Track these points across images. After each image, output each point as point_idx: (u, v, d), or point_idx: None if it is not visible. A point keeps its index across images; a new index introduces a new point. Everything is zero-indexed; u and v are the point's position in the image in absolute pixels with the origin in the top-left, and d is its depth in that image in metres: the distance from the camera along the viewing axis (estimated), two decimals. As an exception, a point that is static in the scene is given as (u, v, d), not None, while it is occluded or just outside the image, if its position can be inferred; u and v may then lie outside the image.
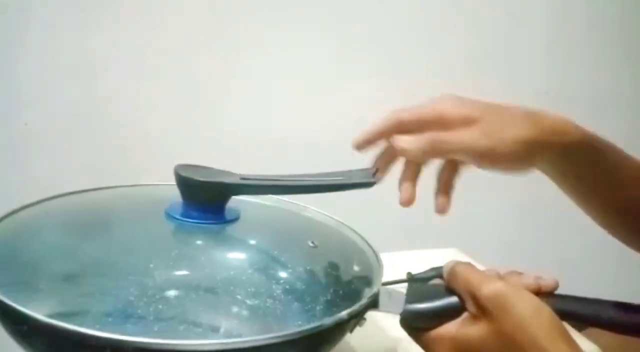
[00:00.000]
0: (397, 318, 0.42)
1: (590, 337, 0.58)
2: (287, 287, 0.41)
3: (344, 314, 0.38)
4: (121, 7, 1.15)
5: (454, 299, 0.40)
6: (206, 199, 0.44)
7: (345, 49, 1.23)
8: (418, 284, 0.44)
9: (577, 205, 0.55)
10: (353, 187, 0.45)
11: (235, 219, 0.46)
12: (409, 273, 0.45)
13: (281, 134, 1.13)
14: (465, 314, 0.39)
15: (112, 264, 0.40)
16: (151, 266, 0.40)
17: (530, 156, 0.46)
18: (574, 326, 0.60)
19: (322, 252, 0.47)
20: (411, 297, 0.42)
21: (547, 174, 0.51)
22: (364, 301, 0.40)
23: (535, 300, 0.37)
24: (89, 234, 0.45)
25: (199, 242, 0.45)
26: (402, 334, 0.42)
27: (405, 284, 0.45)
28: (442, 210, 0.48)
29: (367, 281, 0.44)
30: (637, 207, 0.53)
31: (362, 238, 0.49)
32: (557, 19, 1.40)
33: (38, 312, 0.33)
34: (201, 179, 0.44)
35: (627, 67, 1.45)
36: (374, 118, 0.47)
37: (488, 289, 0.38)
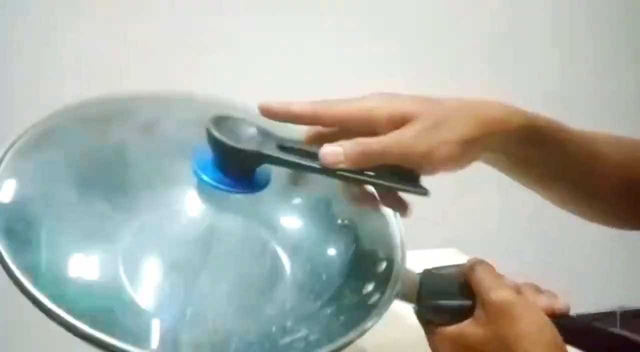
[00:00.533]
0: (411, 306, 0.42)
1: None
2: (303, 271, 0.40)
3: (369, 324, 0.38)
4: (121, 6, 1.15)
5: (467, 302, 0.40)
6: (237, 166, 0.41)
7: (346, 49, 1.23)
8: (436, 276, 0.42)
9: (543, 196, 0.52)
10: (405, 191, 0.42)
11: (265, 184, 0.42)
12: (426, 269, 0.44)
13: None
14: (472, 317, 0.39)
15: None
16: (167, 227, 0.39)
17: (472, 154, 0.42)
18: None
19: (349, 233, 0.45)
20: (426, 288, 0.41)
21: (492, 165, 0.47)
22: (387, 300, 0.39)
23: (543, 318, 0.37)
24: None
25: (221, 206, 0.42)
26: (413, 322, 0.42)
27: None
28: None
29: (387, 271, 0.42)
30: (608, 193, 0.50)
31: (396, 220, 0.46)
32: (557, 19, 1.40)
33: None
34: (233, 145, 0.39)
35: (628, 67, 1.45)
36: (293, 99, 0.42)
37: (497, 295, 0.37)
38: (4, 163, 0.39)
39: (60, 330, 0.32)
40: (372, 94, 0.42)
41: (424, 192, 0.41)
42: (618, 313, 1.55)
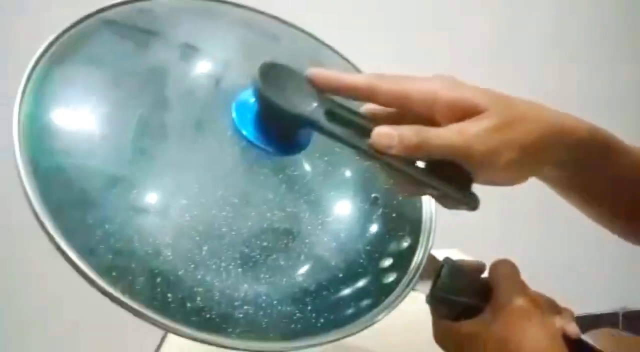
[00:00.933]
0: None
1: (596, 337, 0.58)
2: (324, 244, 0.40)
3: (379, 317, 0.37)
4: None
5: (480, 303, 0.39)
6: (278, 125, 0.37)
7: (346, 49, 1.23)
8: (456, 268, 0.41)
9: (591, 215, 0.47)
10: (453, 198, 0.37)
11: (305, 144, 0.40)
12: (448, 258, 0.42)
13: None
14: (481, 315, 0.38)
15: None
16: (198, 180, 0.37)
17: (536, 164, 0.37)
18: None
19: (380, 210, 0.43)
20: (444, 280, 0.40)
21: (549, 181, 0.43)
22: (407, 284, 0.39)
23: (555, 332, 0.37)
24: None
25: (252, 160, 0.40)
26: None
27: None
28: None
29: (408, 257, 0.41)
30: None
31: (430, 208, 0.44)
32: (558, 19, 1.39)
33: None
34: (279, 105, 0.35)
35: (628, 67, 1.45)
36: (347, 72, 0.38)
37: (515, 301, 0.37)
38: (38, 71, 0.36)
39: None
40: (437, 76, 0.38)
41: (472, 205, 0.37)
42: (620, 314, 1.54)
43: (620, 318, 1.54)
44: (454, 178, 0.36)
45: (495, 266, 0.40)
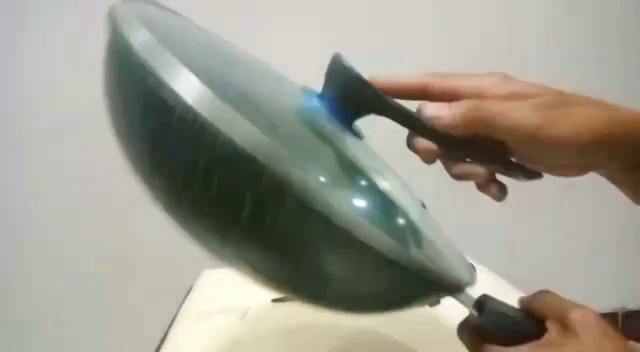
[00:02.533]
0: (462, 311, 0.37)
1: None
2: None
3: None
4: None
5: (534, 322, 0.36)
6: (352, 104, 0.39)
7: (345, 49, 1.23)
8: (495, 300, 0.37)
9: None
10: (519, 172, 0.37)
11: (363, 136, 0.41)
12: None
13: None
14: (543, 338, 0.35)
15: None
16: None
17: (594, 156, 0.35)
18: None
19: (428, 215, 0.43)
20: (489, 301, 0.37)
21: (616, 180, 0.39)
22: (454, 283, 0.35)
23: (619, 337, 0.35)
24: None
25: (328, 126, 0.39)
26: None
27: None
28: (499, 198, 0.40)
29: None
30: None
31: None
32: (558, 19, 1.39)
33: None
34: (365, 79, 0.37)
35: (628, 67, 1.45)
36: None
37: (580, 312, 0.34)
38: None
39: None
40: (489, 73, 0.38)
41: (537, 175, 0.37)
42: (620, 314, 1.54)
43: (620, 318, 1.54)
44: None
45: (535, 296, 0.38)
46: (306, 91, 0.41)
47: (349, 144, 0.40)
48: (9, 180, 1.15)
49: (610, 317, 1.53)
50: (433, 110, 0.36)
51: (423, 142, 0.39)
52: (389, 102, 0.37)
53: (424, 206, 0.44)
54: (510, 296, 0.69)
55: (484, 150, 0.38)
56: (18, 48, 1.14)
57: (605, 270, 1.46)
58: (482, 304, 0.37)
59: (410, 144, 0.40)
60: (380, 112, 0.38)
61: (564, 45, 1.40)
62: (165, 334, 0.66)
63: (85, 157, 1.16)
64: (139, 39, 0.29)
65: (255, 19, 1.19)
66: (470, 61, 1.34)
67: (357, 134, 0.41)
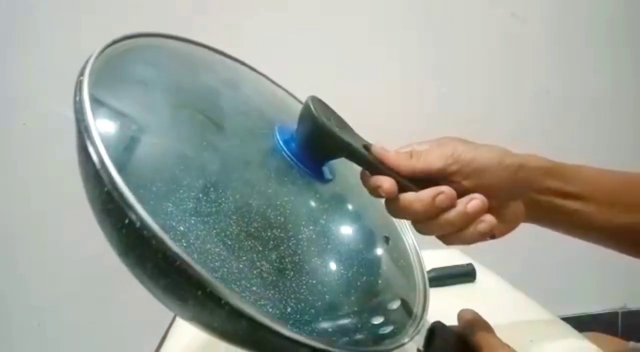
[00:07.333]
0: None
1: (589, 339, 0.58)
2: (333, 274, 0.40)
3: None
4: (121, 6, 1.14)
5: None
6: (320, 150, 0.41)
7: (346, 49, 1.23)
8: (445, 329, 0.43)
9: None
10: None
11: (329, 179, 0.43)
12: (436, 321, 0.44)
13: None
14: None
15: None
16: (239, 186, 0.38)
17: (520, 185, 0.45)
18: (575, 327, 0.60)
19: (388, 252, 0.45)
20: (437, 337, 0.42)
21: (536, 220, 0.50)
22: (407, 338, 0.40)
23: None
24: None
25: (294, 185, 0.41)
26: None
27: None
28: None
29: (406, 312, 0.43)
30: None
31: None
32: (558, 19, 1.39)
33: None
34: (331, 128, 0.39)
35: (628, 67, 1.45)
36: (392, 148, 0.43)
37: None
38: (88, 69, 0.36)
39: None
40: (443, 145, 0.43)
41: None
42: (620, 313, 1.54)
43: (620, 318, 1.54)
44: None
45: (470, 328, 0.43)
46: (280, 130, 0.42)
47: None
48: (8, 177, 1.16)
49: (610, 317, 1.54)
50: (377, 181, 0.40)
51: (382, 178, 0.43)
52: (354, 150, 0.40)
53: (387, 241, 0.46)
54: (510, 296, 0.69)
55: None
56: (9, 48, 1.14)
57: (605, 270, 1.46)
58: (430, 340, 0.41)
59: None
60: (348, 158, 0.41)
61: (559, 46, 1.40)
62: (166, 334, 0.65)
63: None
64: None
65: (256, 19, 1.19)
66: (471, 61, 1.35)
67: (325, 178, 0.43)
